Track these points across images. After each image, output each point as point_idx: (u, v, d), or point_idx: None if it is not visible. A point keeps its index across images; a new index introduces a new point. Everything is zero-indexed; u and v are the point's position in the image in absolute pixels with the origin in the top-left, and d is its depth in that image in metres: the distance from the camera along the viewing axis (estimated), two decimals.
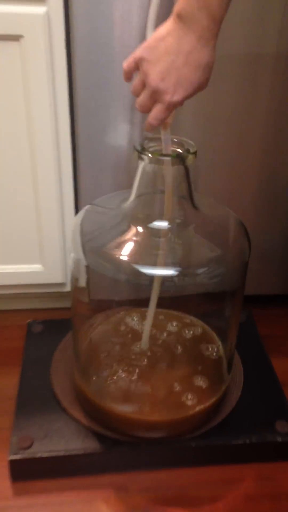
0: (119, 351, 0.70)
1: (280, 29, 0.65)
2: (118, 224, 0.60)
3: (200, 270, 0.56)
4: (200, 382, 0.67)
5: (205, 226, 0.60)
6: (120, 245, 0.58)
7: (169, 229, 0.57)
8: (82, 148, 0.72)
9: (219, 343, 0.72)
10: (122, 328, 0.74)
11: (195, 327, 0.75)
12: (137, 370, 0.67)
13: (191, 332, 0.74)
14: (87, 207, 0.63)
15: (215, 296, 0.72)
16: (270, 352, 0.79)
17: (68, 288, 0.84)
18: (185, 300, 0.78)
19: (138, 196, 0.59)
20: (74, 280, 0.67)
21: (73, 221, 0.67)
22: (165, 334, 0.73)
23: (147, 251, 0.57)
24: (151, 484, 0.65)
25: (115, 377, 0.67)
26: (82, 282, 0.76)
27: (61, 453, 0.64)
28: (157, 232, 0.58)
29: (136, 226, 0.58)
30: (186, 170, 0.56)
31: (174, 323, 0.75)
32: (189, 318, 0.76)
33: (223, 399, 0.69)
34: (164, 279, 0.58)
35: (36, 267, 0.80)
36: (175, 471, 0.66)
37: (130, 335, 0.72)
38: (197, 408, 0.63)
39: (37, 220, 0.75)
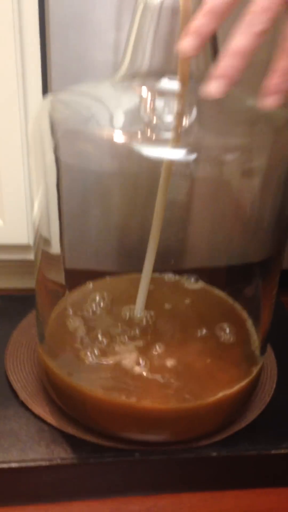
0: (104, 319, 0.49)
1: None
2: (105, 104, 0.40)
3: (230, 156, 0.36)
4: (223, 360, 0.46)
5: (237, 107, 0.39)
6: (110, 120, 0.39)
7: (184, 94, 0.36)
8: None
9: (246, 315, 0.52)
10: (109, 293, 0.53)
11: (212, 293, 0.55)
12: (129, 342, 0.46)
13: (208, 298, 0.54)
14: (50, 97, 0.43)
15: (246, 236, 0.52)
16: None
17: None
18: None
19: (132, 72, 0.39)
20: (40, 237, 0.47)
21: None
22: (170, 302, 0.52)
23: (151, 126, 0.38)
24: None
25: (97, 352, 0.45)
26: (54, 238, 0.56)
27: (15, 465, 0.42)
28: (164, 96, 0.38)
29: (133, 90, 0.38)
30: None
31: (183, 290, 0.55)
32: (203, 284, 0.56)
33: (254, 389, 0.47)
34: (176, 169, 0.38)
35: None
36: (185, 496, 0.44)
37: (120, 300, 0.52)
38: (220, 395, 0.42)
39: None
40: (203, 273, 0.58)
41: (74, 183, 0.50)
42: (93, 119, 0.39)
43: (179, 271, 0.59)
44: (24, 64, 0.52)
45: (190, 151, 0.35)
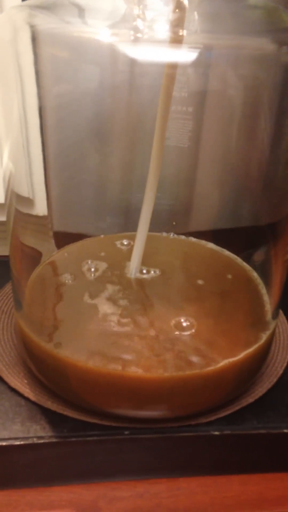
0: (93, 279, 0.43)
1: None
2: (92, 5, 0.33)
3: (244, 56, 0.29)
4: (228, 324, 0.39)
5: (241, 5, 0.32)
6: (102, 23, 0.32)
7: None
8: None
9: (255, 275, 0.45)
10: (99, 252, 0.47)
11: (217, 252, 0.48)
12: (120, 304, 0.40)
13: (213, 258, 0.47)
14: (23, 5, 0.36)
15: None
16: None
17: None
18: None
19: None
20: (12, 194, 0.41)
21: None
22: (170, 260, 0.46)
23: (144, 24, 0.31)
24: (141, 504, 0.37)
25: (82, 315, 0.39)
26: (38, 196, 0.51)
27: None
28: None
29: None
30: None
31: (186, 249, 0.49)
32: (207, 243, 0.50)
33: (264, 359, 0.41)
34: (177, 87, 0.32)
35: None
36: (183, 481, 0.38)
37: (114, 259, 0.46)
38: (223, 363, 0.36)
39: None
40: (208, 236, 0.52)
41: (62, 121, 0.44)
42: (82, 22, 0.33)
43: (183, 234, 0.53)
44: None
45: (197, 50, 0.28)
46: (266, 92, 0.34)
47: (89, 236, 0.52)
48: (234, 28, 0.30)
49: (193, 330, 0.38)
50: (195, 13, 0.31)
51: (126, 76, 0.34)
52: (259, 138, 0.45)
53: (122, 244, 0.48)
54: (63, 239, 0.52)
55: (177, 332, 0.38)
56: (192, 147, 0.49)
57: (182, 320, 0.39)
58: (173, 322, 0.39)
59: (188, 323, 0.38)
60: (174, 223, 0.54)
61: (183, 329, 0.38)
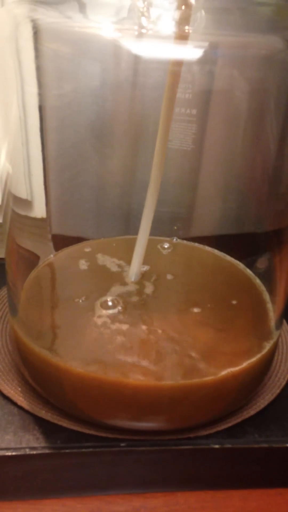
0: (91, 284, 0.42)
1: None
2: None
3: (253, 52, 0.28)
4: (229, 332, 0.38)
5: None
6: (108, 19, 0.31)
7: None
8: None
9: (259, 281, 0.44)
10: (98, 255, 0.46)
11: (220, 258, 0.47)
12: (118, 310, 0.39)
13: (215, 264, 0.46)
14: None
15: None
16: None
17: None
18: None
19: None
20: (9, 195, 0.40)
21: None
22: (172, 266, 0.45)
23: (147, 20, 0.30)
24: None
25: (79, 321, 0.38)
26: (37, 198, 0.50)
27: None
28: None
29: None
30: None
31: (188, 254, 0.47)
32: (210, 249, 0.48)
33: (266, 370, 0.40)
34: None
35: None
36: (181, 495, 0.37)
37: (111, 263, 0.44)
38: (224, 372, 0.34)
39: None
40: (211, 241, 0.51)
41: (62, 121, 0.43)
42: (84, 18, 0.31)
43: (185, 240, 0.52)
44: None
45: (203, 47, 0.27)
46: (274, 93, 0.33)
47: (88, 240, 0.51)
48: (242, 26, 0.29)
49: (193, 339, 0.37)
50: (202, 10, 0.30)
51: (130, 74, 0.33)
52: (264, 142, 0.44)
53: (122, 247, 0.47)
54: (62, 242, 0.50)
55: (175, 339, 0.36)
56: (196, 150, 0.48)
57: (183, 327, 0.37)
58: (173, 329, 0.37)
59: (188, 331, 0.37)
60: (176, 227, 0.52)
61: (182, 336, 0.37)
